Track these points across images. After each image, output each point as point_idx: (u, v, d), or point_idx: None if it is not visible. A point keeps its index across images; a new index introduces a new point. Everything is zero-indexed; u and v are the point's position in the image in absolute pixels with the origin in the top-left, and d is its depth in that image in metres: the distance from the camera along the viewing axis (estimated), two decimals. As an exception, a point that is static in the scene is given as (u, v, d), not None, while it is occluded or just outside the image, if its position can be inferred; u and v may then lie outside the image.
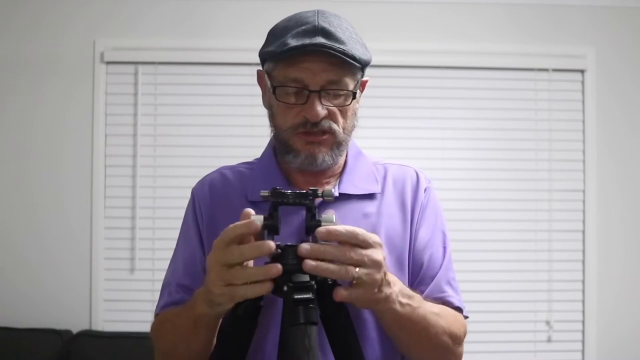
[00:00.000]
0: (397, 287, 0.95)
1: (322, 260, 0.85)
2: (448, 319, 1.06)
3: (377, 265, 0.88)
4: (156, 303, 1.16)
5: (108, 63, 2.88)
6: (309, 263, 0.83)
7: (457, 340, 1.08)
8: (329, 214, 0.89)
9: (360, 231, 0.87)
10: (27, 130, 2.86)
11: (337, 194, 1.11)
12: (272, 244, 0.84)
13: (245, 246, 0.85)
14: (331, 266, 0.85)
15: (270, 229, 0.87)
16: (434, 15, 2.95)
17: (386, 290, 0.92)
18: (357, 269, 0.86)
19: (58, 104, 2.87)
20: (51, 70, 2.87)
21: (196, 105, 2.88)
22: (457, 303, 1.12)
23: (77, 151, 2.85)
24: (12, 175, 2.85)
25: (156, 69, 2.89)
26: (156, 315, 1.14)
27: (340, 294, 0.87)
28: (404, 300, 0.96)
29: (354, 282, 0.87)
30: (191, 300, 0.97)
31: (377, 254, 0.88)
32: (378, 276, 0.88)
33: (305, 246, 0.84)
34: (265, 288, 0.84)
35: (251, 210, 0.88)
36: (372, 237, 0.88)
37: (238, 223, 0.86)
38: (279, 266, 0.83)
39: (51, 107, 2.87)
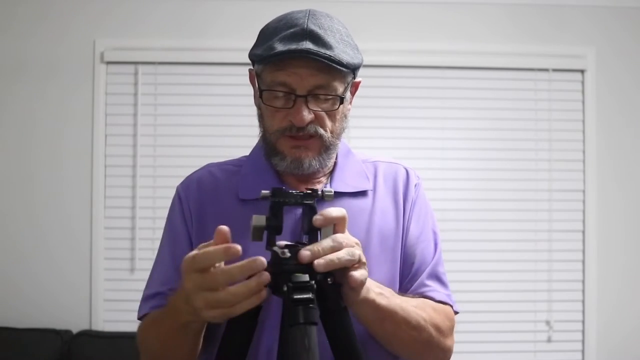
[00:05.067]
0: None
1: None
2: (427, 310, 1.05)
3: (358, 244, 0.91)
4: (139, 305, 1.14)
5: (108, 63, 2.88)
6: (320, 263, 0.84)
7: (442, 332, 1.06)
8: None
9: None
10: (27, 130, 2.86)
11: None
12: (262, 259, 0.82)
13: (235, 267, 0.82)
14: (341, 255, 0.86)
15: (273, 229, 0.87)
16: (434, 15, 2.95)
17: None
18: (354, 249, 0.88)
19: (58, 104, 2.87)
20: (51, 70, 2.87)
21: (196, 105, 2.88)
22: (439, 297, 1.11)
23: (77, 151, 2.86)
24: (12, 175, 2.85)
25: (156, 69, 2.89)
26: (140, 317, 1.12)
27: (356, 279, 0.88)
28: (377, 290, 0.97)
29: (357, 264, 0.88)
30: (173, 307, 0.94)
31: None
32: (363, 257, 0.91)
33: (305, 252, 0.84)
34: (260, 298, 0.84)
35: (225, 228, 0.85)
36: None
37: (212, 249, 0.82)
38: (267, 274, 0.83)
39: (51, 107, 2.87)
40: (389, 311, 0.98)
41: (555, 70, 2.95)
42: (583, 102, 2.95)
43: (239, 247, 0.81)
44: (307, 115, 1.02)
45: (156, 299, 1.11)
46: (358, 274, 0.88)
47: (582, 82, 2.95)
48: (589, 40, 2.96)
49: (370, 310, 0.96)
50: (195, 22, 2.90)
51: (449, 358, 1.10)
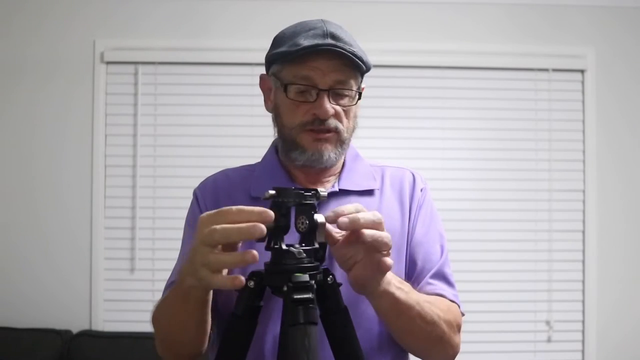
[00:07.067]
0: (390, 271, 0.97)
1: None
2: (441, 307, 1.08)
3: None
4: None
5: (108, 63, 2.88)
6: (368, 234, 0.87)
7: (453, 329, 1.08)
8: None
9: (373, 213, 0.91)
10: (27, 130, 2.86)
11: (337, 189, 1.15)
12: (262, 227, 0.80)
13: (233, 227, 0.81)
14: (384, 234, 0.89)
15: (274, 229, 0.86)
16: (434, 15, 2.95)
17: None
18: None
19: (58, 104, 2.87)
20: (51, 70, 2.87)
21: (196, 105, 2.87)
22: (448, 296, 1.13)
23: (77, 151, 2.85)
24: (12, 175, 2.85)
25: (156, 69, 2.89)
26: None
27: (389, 263, 0.91)
28: (398, 284, 0.99)
29: (386, 250, 0.90)
30: (180, 275, 0.96)
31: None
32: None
33: (344, 219, 0.87)
34: (233, 283, 0.82)
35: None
36: (378, 214, 0.92)
37: (245, 209, 0.83)
38: (255, 252, 0.80)
39: (51, 107, 2.87)
40: (407, 305, 1.00)
41: (555, 70, 2.95)
42: (583, 102, 2.95)
43: (262, 228, 0.80)
44: (330, 108, 1.08)
45: (172, 287, 1.13)
46: (390, 260, 0.91)
47: (582, 82, 2.95)
48: (589, 40, 2.96)
49: (388, 302, 0.98)
50: (196, 22, 2.90)
51: (457, 354, 1.12)
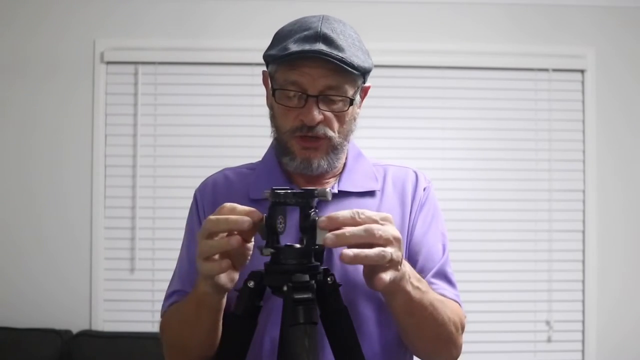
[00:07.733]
0: (407, 267, 0.96)
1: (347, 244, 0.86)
2: (450, 307, 1.07)
3: (399, 241, 0.90)
4: (161, 304, 1.16)
5: (108, 63, 2.88)
6: (348, 254, 0.84)
7: (458, 329, 1.08)
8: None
9: (374, 212, 0.89)
10: (27, 130, 2.86)
11: (336, 191, 1.13)
12: (249, 219, 0.85)
13: (221, 217, 0.87)
14: (370, 252, 0.85)
15: (270, 229, 0.87)
16: (434, 15, 2.95)
17: (403, 268, 0.93)
18: (388, 249, 0.87)
19: (58, 104, 2.87)
20: (51, 70, 2.87)
21: (196, 105, 2.87)
22: (450, 296, 1.12)
23: (77, 151, 2.85)
24: (12, 175, 2.85)
25: (156, 69, 2.89)
26: (162, 314, 1.15)
27: (384, 280, 0.87)
28: (415, 283, 0.97)
29: (387, 264, 0.87)
30: (195, 285, 0.98)
31: (394, 229, 0.90)
32: (400, 253, 0.90)
33: (330, 236, 0.85)
34: (217, 265, 0.86)
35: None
36: (384, 215, 0.90)
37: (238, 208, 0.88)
38: (238, 237, 0.85)
39: (51, 107, 2.87)
40: (421, 306, 0.99)
41: (555, 70, 2.95)
42: (583, 102, 2.95)
43: (246, 219, 0.85)
44: (318, 115, 1.05)
45: (175, 296, 1.14)
46: (386, 276, 0.88)
47: (582, 82, 2.95)
48: (589, 40, 2.96)
49: (402, 301, 0.97)
50: (195, 22, 2.90)
51: (459, 355, 1.11)
